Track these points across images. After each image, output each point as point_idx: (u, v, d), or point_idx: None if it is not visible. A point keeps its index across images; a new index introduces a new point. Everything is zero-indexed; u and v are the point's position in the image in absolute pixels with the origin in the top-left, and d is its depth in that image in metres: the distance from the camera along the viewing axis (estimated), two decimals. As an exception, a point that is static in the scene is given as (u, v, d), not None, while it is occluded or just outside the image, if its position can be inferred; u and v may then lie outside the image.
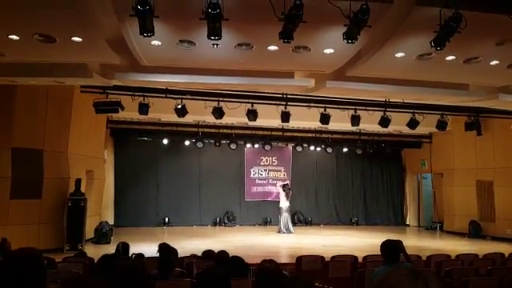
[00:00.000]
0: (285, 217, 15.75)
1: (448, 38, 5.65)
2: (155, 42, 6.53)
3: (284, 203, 15.89)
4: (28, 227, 10.35)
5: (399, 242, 4.71)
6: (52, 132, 10.88)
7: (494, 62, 7.33)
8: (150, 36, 5.57)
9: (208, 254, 6.95)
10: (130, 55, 7.30)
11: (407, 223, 19.29)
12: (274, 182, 18.21)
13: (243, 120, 12.27)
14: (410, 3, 5.59)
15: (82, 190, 11.37)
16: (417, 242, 13.81)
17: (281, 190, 16.28)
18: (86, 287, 1.80)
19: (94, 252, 9.43)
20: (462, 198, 16.11)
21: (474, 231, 15.24)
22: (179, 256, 6.39)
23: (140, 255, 6.08)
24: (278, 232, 15.63)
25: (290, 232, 15.57)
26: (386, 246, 4.58)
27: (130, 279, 3.14)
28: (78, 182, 11.20)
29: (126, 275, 3.14)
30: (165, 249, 5.36)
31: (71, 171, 11.36)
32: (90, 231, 12.21)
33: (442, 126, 12.77)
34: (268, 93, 10.74)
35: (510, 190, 14.16)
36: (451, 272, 5.91)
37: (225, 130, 15.85)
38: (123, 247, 6.55)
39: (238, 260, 4.37)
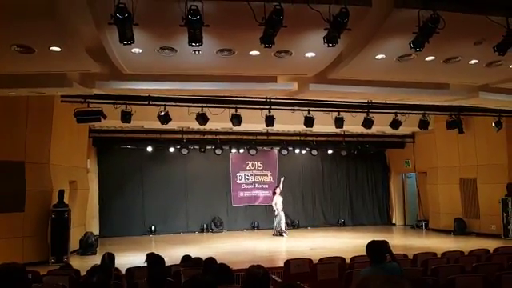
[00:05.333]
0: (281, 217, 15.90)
1: (427, 39, 5.72)
2: (135, 50, 6.48)
3: (280, 205, 16.08)
4: (11, 241, 10.16)
5: (385, 243, 4.74)
6: (33, 143, 10.71)
7: (473, 61, 7.44)
8: (130, 44, 5.53)
9: (187, 259, 6.94)
10: (110, 63, 7.24)
11: (393, 222, 19.44)
12: (261, 186, 18.24)
13: (227, 125, 12.25)
14: (389, 5, 5.65)
15: (66, 201, 11.19)
16: (403, 241, 13.93)
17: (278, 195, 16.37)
18: None
19: (80, 264, 9.31)
20: (446, 196, 16.30)
21: (459, 228, 15.43)
22: (167, 264, 6.33)
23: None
24: (280, 235, 15.76)
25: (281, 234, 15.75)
26: (371, 246, 4.61)
27: None
28: (61, 193, 11.02)
29: None
30: (153, 260, 5.28)
31: (54, 182, 11.19)
32: (75, 243, 12.04)
33: (424, 125, 12.89)
34: (252, 97, 10.74)
35: (493, 186, 14.38)
36: (437, 270, 5.96)
37: (209, 136, 15.80)
38: (109, 258, 6.46)
39: (223, 267, 4.33)
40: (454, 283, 5.11)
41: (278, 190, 16.54)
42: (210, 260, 5.35)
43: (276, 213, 16.10)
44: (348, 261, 7.54)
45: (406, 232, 17.43)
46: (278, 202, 16.18)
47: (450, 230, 15.66)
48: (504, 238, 13.58)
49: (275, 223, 16.09)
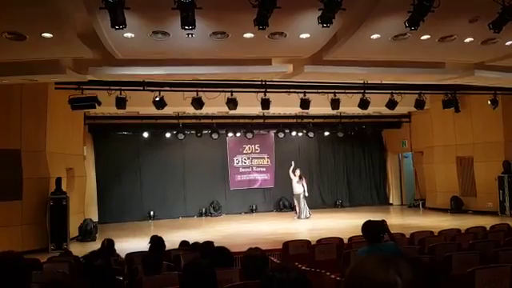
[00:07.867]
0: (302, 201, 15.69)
1: (422, 18, 5.67)
2: (128, 35, 6.41)
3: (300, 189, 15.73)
4: (10, 229, 10.18)
5: (382, 222, 4.77)
6: (28, 131, 10.67)
7: (468, 40, 7.40)
8: (122, 28, 5.47)
9: (194, 246, 6.97)
10: (103, 49, 7.16)
11: (390, 202, 19.55)
12: (258, 169, 18.27)
13: (223, 109, 12.20)
14: (383, -16, 5.59)
15: (63, 188, 11.20)
16: (400, 220, 14.04)
17: (297, 177, 15.93)
18: None
19: (80, 250, 9.34)
20: (442, 175, 16.39)
21: (456, 206, 15.55)
22: (167, 249, 6.37)
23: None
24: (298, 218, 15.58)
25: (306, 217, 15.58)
26: (367, 227, 4.63)
27: (102, 279, 3.16)
28: (59, 180, 11.03)
29: (98, 276, 3.17)
30: (157, 242, 5.30)
31: (51, 170, 11.18)
32: (74, 229, 12.08)
33: (420, 104, 12.89)
34: (247, 80, 10.68)
35: (489, 164, 14.45)
36: (434, 248, 6.01)
37: (205, 120, 15.75)
38: (108, 244, 6.51)
39: (222, 250, 4.36)
40: (450, 261, 5.15)
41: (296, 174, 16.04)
42: (207, 243, 5.38)
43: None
44: (346, 241, 7.60)
45: (403, 211, 17.57)
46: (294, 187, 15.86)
47: (447, 208, 15.77)
48: (500, 215, 13.69)
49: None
